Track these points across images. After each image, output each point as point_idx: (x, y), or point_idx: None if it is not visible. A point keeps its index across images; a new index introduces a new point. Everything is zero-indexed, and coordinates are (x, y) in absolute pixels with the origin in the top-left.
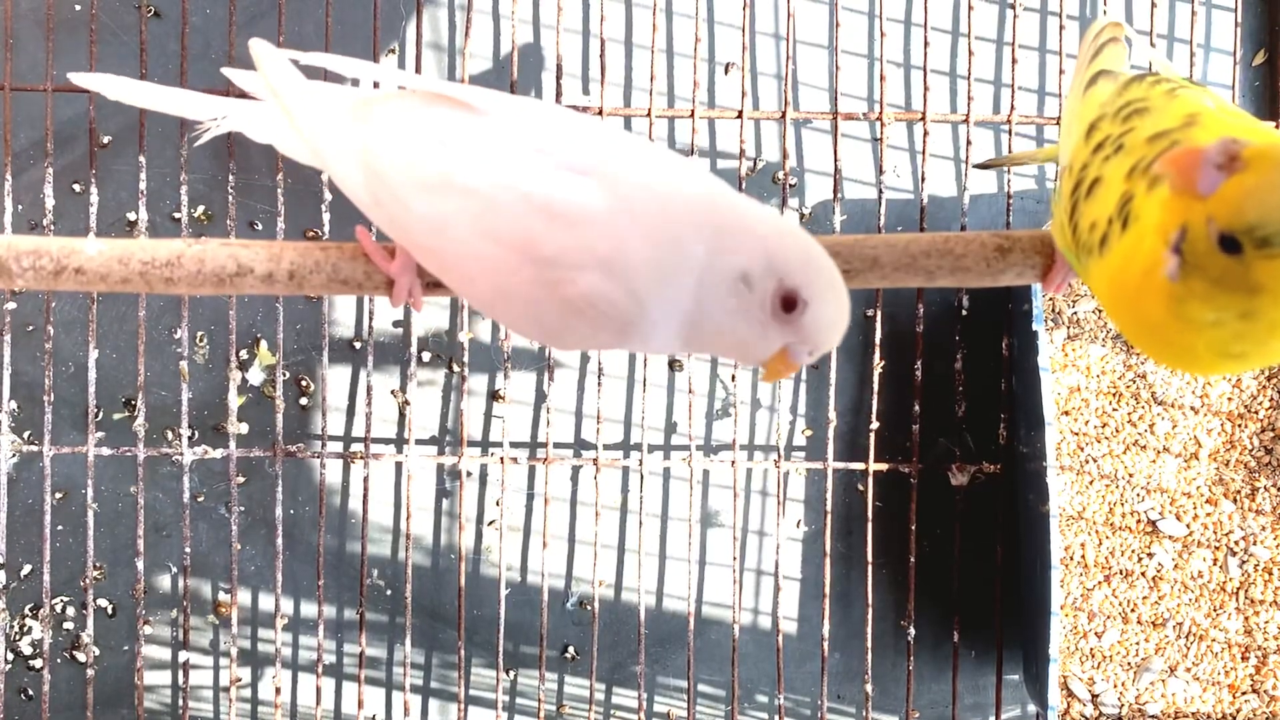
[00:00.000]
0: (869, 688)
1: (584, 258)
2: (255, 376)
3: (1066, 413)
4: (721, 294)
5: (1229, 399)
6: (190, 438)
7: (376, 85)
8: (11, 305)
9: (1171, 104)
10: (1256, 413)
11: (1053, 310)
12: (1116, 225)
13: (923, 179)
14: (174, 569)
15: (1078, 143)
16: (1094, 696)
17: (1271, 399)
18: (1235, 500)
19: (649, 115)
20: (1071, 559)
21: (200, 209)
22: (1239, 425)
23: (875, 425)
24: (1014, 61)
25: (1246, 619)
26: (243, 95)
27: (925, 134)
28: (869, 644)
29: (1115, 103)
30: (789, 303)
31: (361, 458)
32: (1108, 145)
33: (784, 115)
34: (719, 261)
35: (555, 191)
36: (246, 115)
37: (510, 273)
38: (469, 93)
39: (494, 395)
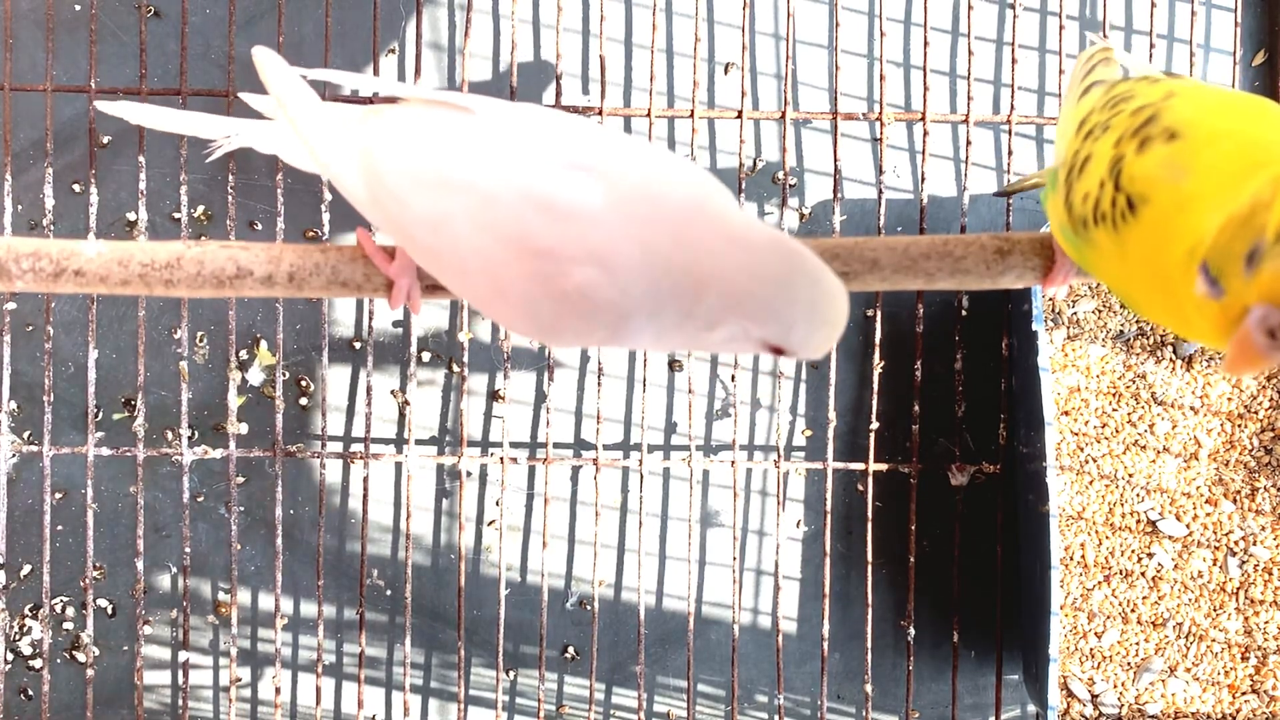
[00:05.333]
0: (869, 688)
1: (579, 252)
2: (255, 376)
3: (1066, 413)
4: (716, 342)
5: (1229, 399)
6: (190, 438)
7: (377, 96)
8: (11, 305)
9: (1153, 88)
10: (1256, 413)
11: (1053, 310)
12: (1109, 186)
13: (923, 179)
14: (174, 569)
15: (1070, 139)
16: (1094, 696)
17: (1271, 399)
18: (1235, 500)
19: (649, 115)
20: (1071, 559)
21: (200, 209)
22: (1239, 425)
23: (875, 425)
24: (1014, 61)
25: (1246, 619)
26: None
27: (925, 134)
28: (869, 644)
29: (1103, 99)
30: (776, 350)
31: (361, 458)
32: (1096, 130)
33: (784, 115)
34: (704, 329)
35: (553, 186)
36: (253, 132)
37: (507, 268)
38: (469, 100)
39: (494, 395)
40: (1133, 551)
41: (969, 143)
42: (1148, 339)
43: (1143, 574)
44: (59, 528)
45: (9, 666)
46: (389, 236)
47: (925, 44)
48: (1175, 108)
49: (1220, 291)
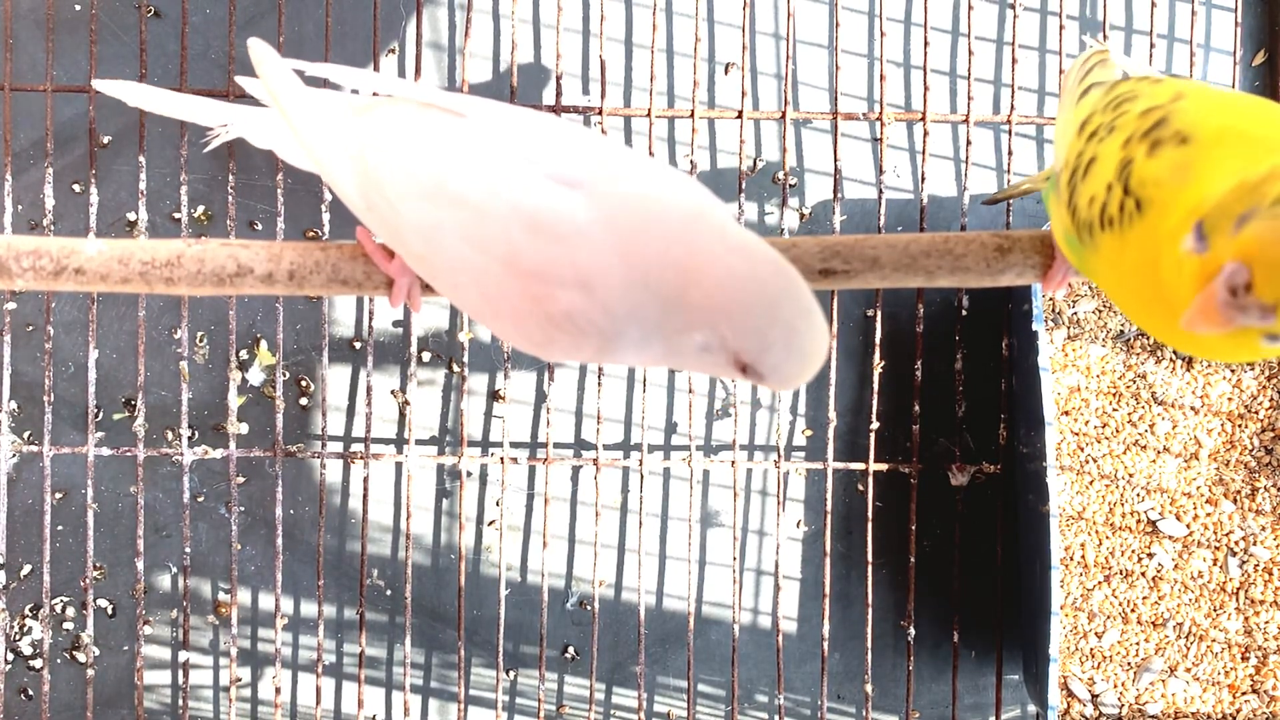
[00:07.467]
0: (869, 688)
1: (565, 274)
2: (255, 376)
3: (1066, 413)
4: (687, 352)
5: (1229, 399)
6: (190, 438)
7: (376, 94)
8: (11, 305)
9: (1157, 88)
10: (1256, 413)
11: (1053, 310)
12: (1117, 189)
13: (923, 179)
14: (174, 569)
15: (1071, 141)
16: (1094, 696)
17: (1271, 399)
18: (1235, 500)
19: (649, 115)
20: (1071, 559)
21: (200, 209)
22: (1239, 425)
23: (875, 425)
24: (1014, 61)
25: (1246, 619)
26: (242, 95)
27: (925, 134)
28: (869, 644)
29: (1104, 100)
30: (744, 369)
31: (361, 458)
32: (1101, 130)
33: (784, 115)
34: (679, 332)
35: (542, 204)
36: (251, 122)
37: (497, 284)
38: (463, 102)
39: (494, 395)
40: (1133, 551)
41: (969, 143)
42: (1148, 339)
43: (1143, 574)
44: (59, 528)
45: (9, 666)
46: (383, 240)
47: (925, 44)
48: (1185, 110)
49: (1204, 247)
